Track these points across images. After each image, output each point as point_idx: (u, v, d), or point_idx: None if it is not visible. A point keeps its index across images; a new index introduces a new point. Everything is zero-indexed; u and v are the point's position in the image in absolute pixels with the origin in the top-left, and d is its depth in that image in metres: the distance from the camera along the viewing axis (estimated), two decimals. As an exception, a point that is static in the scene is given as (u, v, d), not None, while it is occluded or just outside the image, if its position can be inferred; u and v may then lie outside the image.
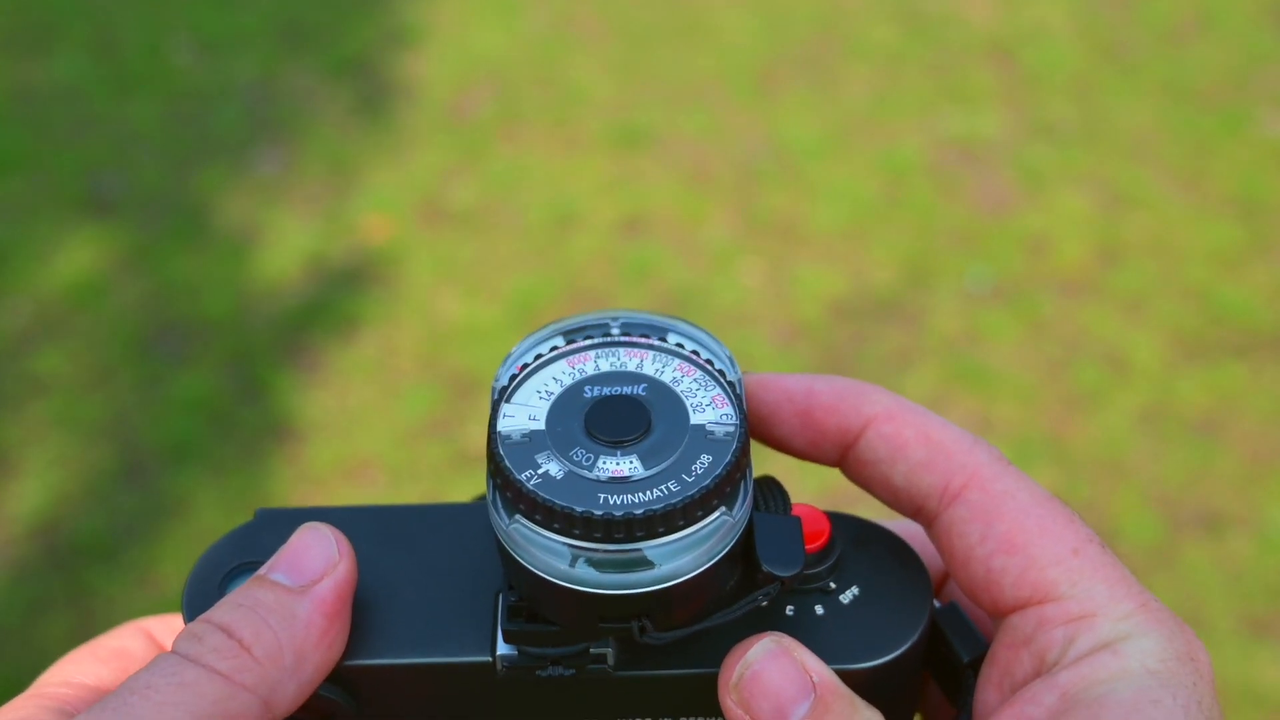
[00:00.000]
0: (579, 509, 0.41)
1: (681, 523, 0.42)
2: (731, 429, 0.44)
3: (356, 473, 2.19)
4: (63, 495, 2.15)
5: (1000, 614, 0.46)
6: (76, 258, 2.59)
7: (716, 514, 0.43)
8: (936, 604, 0.50)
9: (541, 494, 0.42)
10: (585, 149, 2.86)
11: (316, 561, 0.45)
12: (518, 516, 0.43)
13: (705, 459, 0.43)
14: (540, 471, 0.43)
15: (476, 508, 0.50)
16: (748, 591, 0.46)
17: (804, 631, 0.47)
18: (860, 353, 2.35)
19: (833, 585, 0.48)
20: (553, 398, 0.46)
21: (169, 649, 0.43)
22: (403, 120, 2.95)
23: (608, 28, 3.23)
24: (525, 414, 0.45)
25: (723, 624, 0.46)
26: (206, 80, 3.07)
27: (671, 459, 0.43)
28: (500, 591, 0.47)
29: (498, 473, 0.43)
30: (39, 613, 1.97)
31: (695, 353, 0.47)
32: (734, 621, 0.46)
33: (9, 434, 2.25)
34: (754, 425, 0.50)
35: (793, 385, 0.50)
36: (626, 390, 0.46)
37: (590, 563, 0.42)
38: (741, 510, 0.44)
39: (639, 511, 0.41)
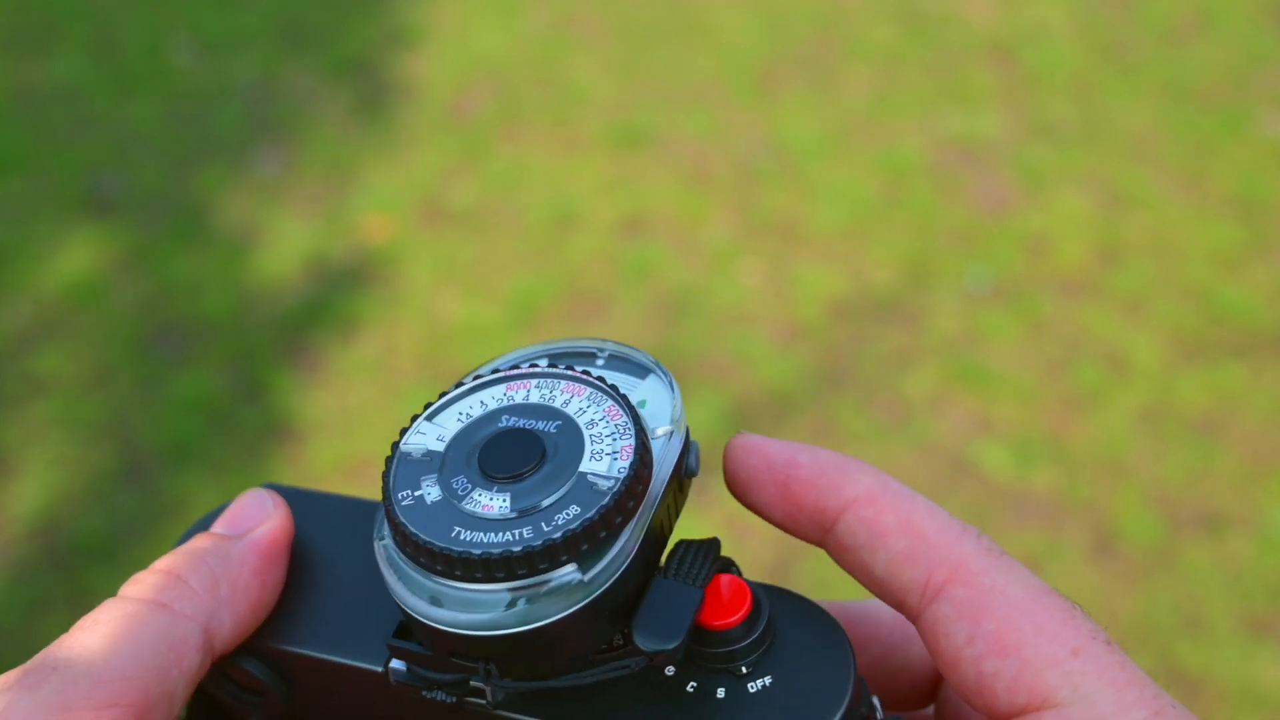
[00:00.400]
0: (424, 537, 0.40)
1: (522, 572, 0.40)
2: (614, 483, 0.41)
3: (356, 473, 2.19)
4: (63, 495, 2.15)
5: None
6: (76, 258, 2.59)
7: (565, 570, 0.40)
8: (881, 715, 0.46)
9: (403, 516, 0.41)
10: (585, 149, 2.86)
11: (252, 516, 0.49)
12: (385, 534, 0.43)
13: (573, 510, 0.41)
14: (417, 494, 0.42)
15: None
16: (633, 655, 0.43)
17: (698, 712, 0.44)
18: (860, 353, 2.35)
19: (744, 670, 0.44)
20: (468, 421, 0.44)
21: None
22: (403, 120, 2.95)
23: (608, 28, 3.23)
24: (435, 434, 0.44)
25: (577, 685, 0.43)
26: (206, 80, 3.07)
27: (544, 505, 0.41)
28: None
29: (384, 485, 0.43)
30: (39, 613, 1.97)
31: (626, 396, 0.44)
32: (598, 684, 0.43)
33: (9, 434, 2.25)
34: (735, 489, 0.48)
35: (775, 453, 0.46)
36: (539, 426, 0.44)
37: (429, 595, 0.41)
38: (601, 570, 0.41)
39: (476, 553, 0.40)
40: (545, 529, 0.40)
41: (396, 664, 0.45)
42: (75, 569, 2.03)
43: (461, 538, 0.40)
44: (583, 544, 0.40)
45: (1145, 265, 2.50)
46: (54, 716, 0.41)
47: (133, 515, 2.12)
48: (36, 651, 0.47)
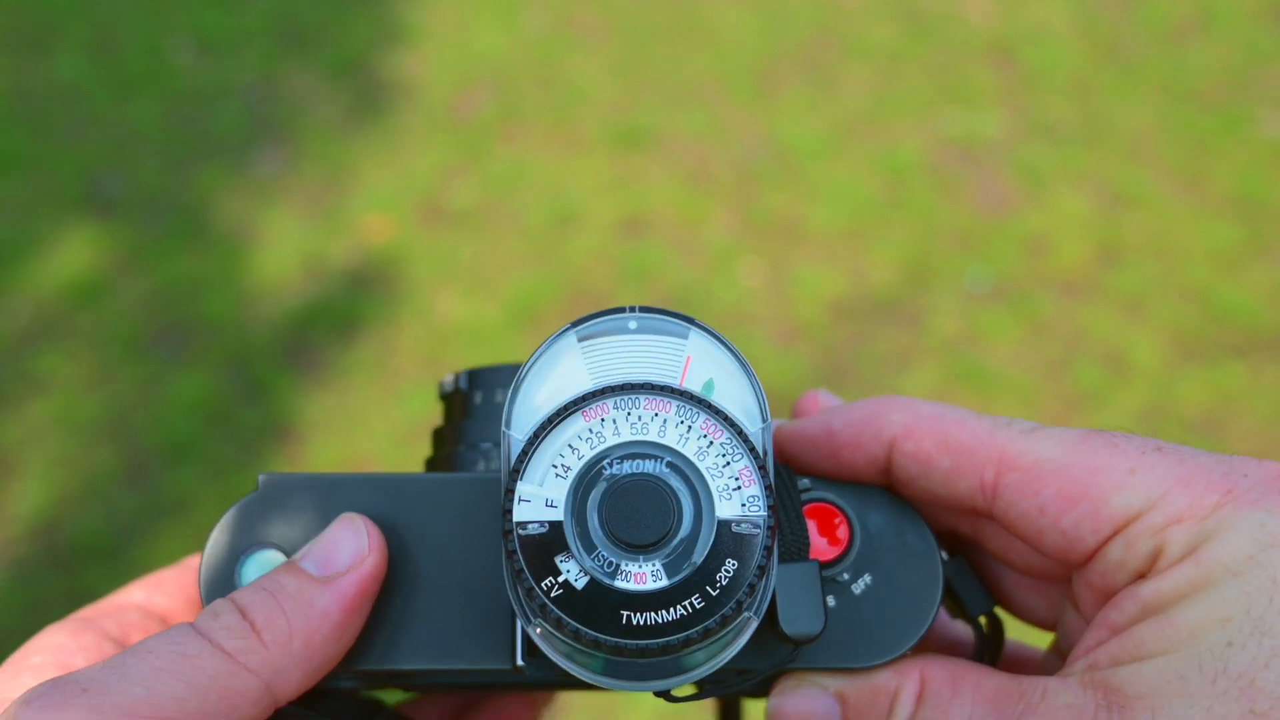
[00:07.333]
0: (605, 637, 0.41)
1: (705, 639, 0.41)
2: (758, 522, 0.42)
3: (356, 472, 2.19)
4: (63, 495, 2.15)
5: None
6: (76, 258, 2.59)
7: (741, 618, 0.42)
8: (945, 556, 0.50)
9: (565, 614, 0.41)
10: (585, 149, 2.86)
11: (345, 554, 0.46)
12: (541, 622, 0.42)
13: (731, 564, 0.42)
14: (560, 580, 0.41)
15: (486, 481, 0.50)
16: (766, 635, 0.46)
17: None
18: (860, 353, 2.35)
19: (845, 577, 0.48)
20: (570, 476, 0.43)
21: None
22: (402, 120, 2.95)
23: (608, 28, 3.23)
24: (542, 499, 0.43)
25: (742, 687, 0.47)
26: (206, 80, 3.07)
27: (695, 565, 0.42)
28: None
29: (519, 578, 0.42)
30: (39, 613, 1.97)
31: (713, 405, 0.44)
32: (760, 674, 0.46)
33: (9, 434, 2.25)
34: (793, 466, 0.50)
35: (813, 432, 0.49)
36: (649, 469, 0.43)
37: (615, 673, 0.43)
38: (763, 600, 0.43)
39: (661, 640, 0.41)
40: (713, 594, 0.41)
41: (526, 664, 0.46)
42: (75, 569, 2.03)
43: (634, 622, 0.41)
44: (756, 595, 0.42)
45: (1145, 265, 2.50)
46: None
47: (133, 515, 2.12)
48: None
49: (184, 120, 2.95)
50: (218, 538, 0.49)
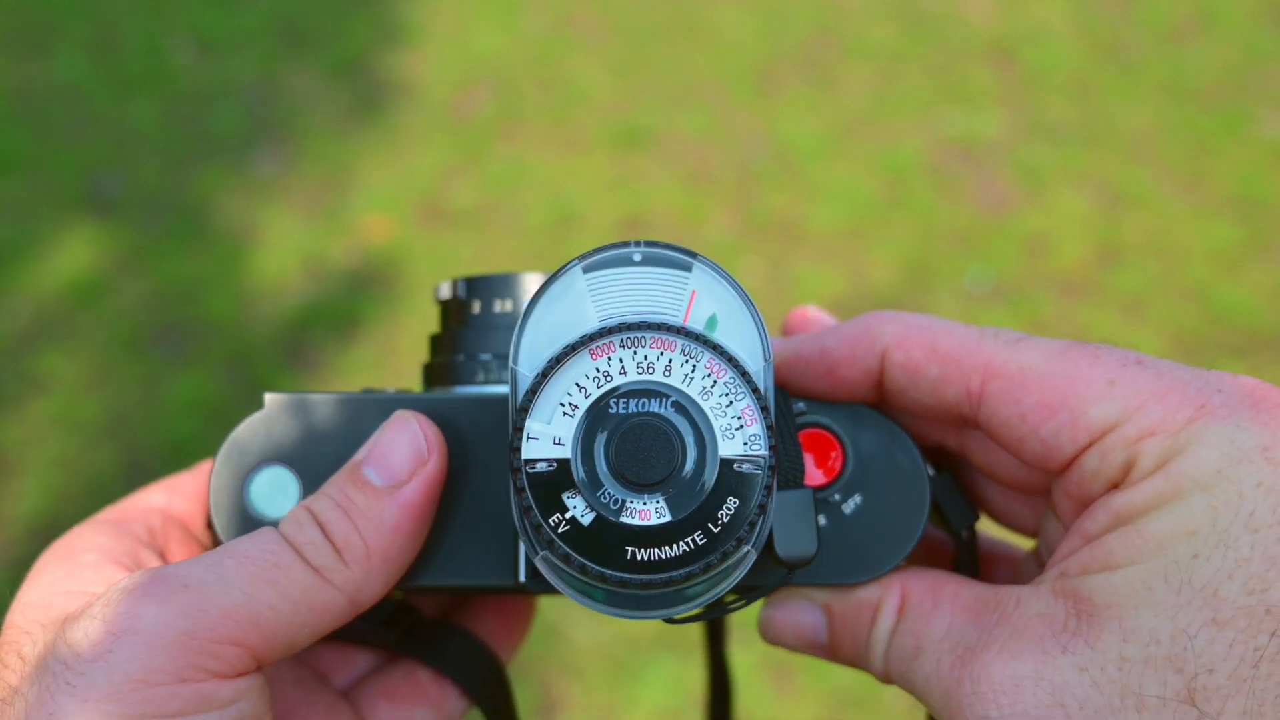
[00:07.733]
0: (611, 572, 0.42)
1: (706, 573, 0.43)
2: (759, 460, 0.43)
3: (356, 473, 2.19)
4: (63, 495, 2.15)
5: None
6: (76, 258, 2.59)
7: (740, 552, 0.43)
8: (931, 471, 0.51)
9: (573, 550, 0.42)
10: (585, 149, 2.86)
11: (405, 460, 0.48)
12: (548, 554, 0.43)
13: (732, 503, 0.43)
14: (568, 517, 0.43)
15: (490, 400, 0.50)
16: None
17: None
18: (860, 353, 2.35)
19: (836, 497, 0.49)
20: (578, 415, 0.44)
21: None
22: (402, 120, 2.95)
23: (608, 28, 3.23)
24: (550, 436, 0.43)
25: (737, 609, 0.48)
26: (206, 80, 3.07)
27: (698, 502, 0.43)
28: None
29: (527, 514, 0.43)
30: (39, 613, 1.97)
31: (718, 345, 0.44)
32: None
33: (9, 434, 2.25)
34: (788, 388, 0.51)
35: (808, 352, 0.50)
36: (654, 409, 0.44)
37: (616, 603, 0.44)
38: (762, 535, 0.44)
39: (664, 574, 0.42)
40: (715, 531, 0.42)
41: (527, 578, 0.48)
42: (75, 569, 2.03)
43: (638, 558, 0.42)
44: (754, 533, 0.43)
45: (1145, 265, 2.50)
46: (175, 637, 0.42)
47: (133, 515, 2.12)
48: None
49: (184, 120, 2.95)
50: (225, 456, 0.51)
